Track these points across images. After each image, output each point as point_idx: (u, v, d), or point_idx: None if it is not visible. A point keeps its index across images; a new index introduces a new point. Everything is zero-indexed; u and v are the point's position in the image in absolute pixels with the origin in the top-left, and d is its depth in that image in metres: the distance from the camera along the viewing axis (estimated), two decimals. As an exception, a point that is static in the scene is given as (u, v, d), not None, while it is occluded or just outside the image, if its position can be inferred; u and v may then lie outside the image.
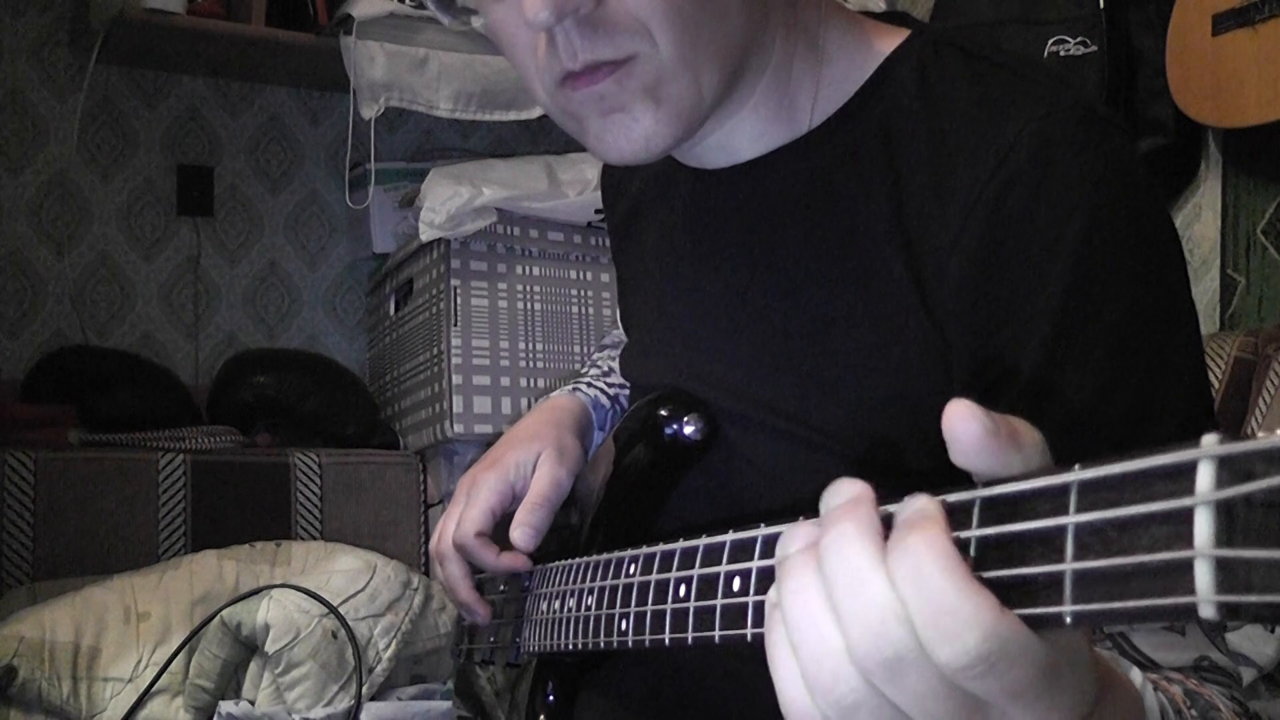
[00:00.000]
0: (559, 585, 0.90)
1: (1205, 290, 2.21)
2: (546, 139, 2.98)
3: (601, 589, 0.79)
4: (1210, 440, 0.35)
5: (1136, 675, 0.56)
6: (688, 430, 0.89)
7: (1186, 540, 0.35)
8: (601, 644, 0.78)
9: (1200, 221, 2.23)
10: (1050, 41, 2.24)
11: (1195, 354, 0.77)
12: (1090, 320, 0.72)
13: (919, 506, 0.44)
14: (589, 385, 1.15)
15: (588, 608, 0.81)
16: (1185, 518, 0.35)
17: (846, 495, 0.46)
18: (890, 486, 0.47)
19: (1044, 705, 0.42)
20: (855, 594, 0.43)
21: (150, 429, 2.31)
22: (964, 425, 0.43)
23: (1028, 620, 0.41)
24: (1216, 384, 1.84)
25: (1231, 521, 0.34)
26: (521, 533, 0.97)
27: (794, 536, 0.48)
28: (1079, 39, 2.21)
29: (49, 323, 2.58)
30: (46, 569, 2.10)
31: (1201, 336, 0.77)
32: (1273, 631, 1.58)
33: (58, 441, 2.24)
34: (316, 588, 1.84)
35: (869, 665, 0.43)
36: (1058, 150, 0.74)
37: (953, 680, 0.42)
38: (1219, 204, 2.19)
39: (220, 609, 1.83)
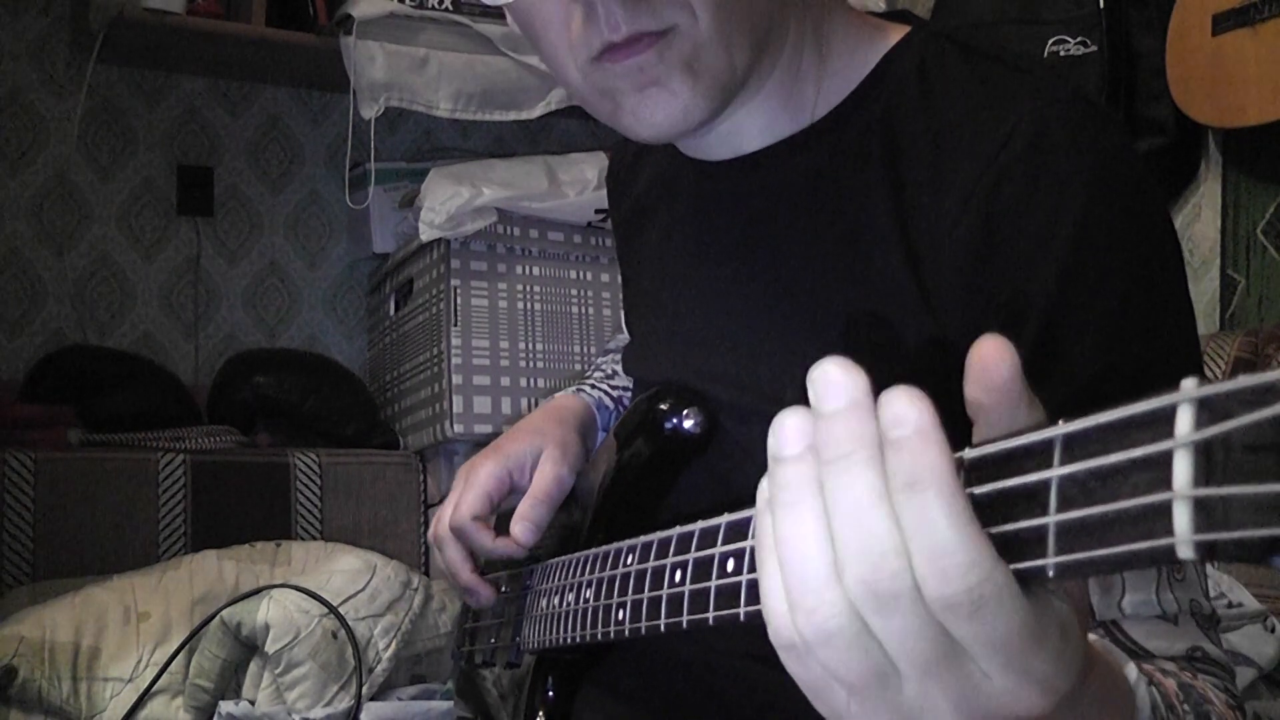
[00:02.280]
0: (558, 581, 0.90)
1: (1205, 290, 2.20)
2: (546, 139, 2.98)
3: (599, 580, 0.79)
4: (1189, 384, 0.35)
5: (1131, 671, 0.56)
6: (687, 424, 0.89)
7: (1166, 483, 0.35)
8: (599, 635, 0.79)
9: (1200, 221, 2.23)
10: (1050, 41, 2.25)
11: (1190, 341, 0.77)
12: (1085, 308, 0.72)
13: (915, 426, 0.42)
14: (593, 387, 1.15)
15: (586, 600, 0.82)
16: (1165, 461, 0.35)
17: (843, 400, 0.44)
18: None
19: (1020, 666, 0.42)
20: (856, 524, 0.43)
21: (150, 429, 2.31)
22: (998, 359, 0.43)
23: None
24: (1217, 384, 1.83)
25: (1210, 462, 0.34)
26: (522, 528, 0.97)
27: (786, 434, 0.46)
28: (1079, 39, 2.21)
29: (49, 323, 2.58)
30: (46, 569, 2.10)
31: (1196, 326, 0.78)
32: (1272, 631, 1.58)
33: (58, 441, 2.24)
34: (316, 588, 1.84)
35: (860, 593, 0.43)
36: (1053, 141, 0.74)
37: (940, 620, 0.42)
38: (1219, 204, 2.19)
39: (220, 609, 1.83)
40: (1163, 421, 0.35)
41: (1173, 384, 0.74)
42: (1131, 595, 0.70)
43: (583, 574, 0.84)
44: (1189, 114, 2.06)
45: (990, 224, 0.74)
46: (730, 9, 0.77)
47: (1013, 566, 0.41)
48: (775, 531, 0.46)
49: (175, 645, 1.83)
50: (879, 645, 0.44)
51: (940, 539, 0.41)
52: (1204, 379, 0.34)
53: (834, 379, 0.44)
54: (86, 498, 2.15)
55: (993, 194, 0.74)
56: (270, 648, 1.77)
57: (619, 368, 1.15)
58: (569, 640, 0.85)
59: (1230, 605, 1.56)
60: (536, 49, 0.84)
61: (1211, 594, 0.75)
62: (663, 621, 0.67)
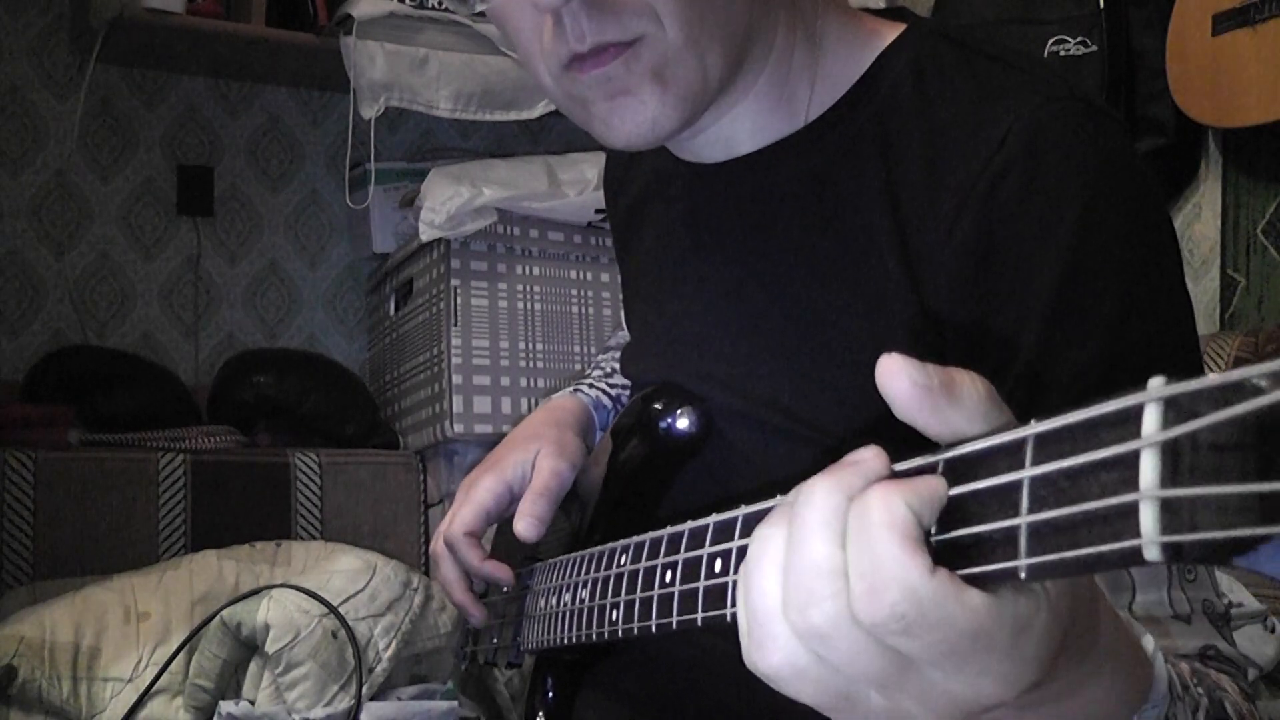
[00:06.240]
0: (555, 581, 0.90)
1: (1205, 290, 2.20)
2: (546, 139, 2.98)
3: (594, 580, 0.79)
4: (1156, 383, 0.34)
5: (1149, 642, 0.55)
6: (680, 425, 0.89)
7: (1133, 484, 0.34)
8: (594, 635, 0.79)
9: (1200, 221, 2.23)
10: (1050, 41, 2.24)
11: (1190, 345, 0.76)
12: (1084, 311, 0.72)
13: (874, 451, 0.45)
14: (591, 386, 1.15)
15: (581, 601, 0.82)
16: (1132, 461, 0.35)
17: (853, 459, 0.46)
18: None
19: (974, 669, 0.42)
20: (800, 549, 0.43)
21: (150, 429, 2.31)
22: (891, 380, 0.43)
23: (984, 577, 0.41)
24: (1216, 383, 1.83)
25: (1176, 462, 0.33)
26: (526, 524, 0.96)
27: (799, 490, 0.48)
28: (1079, 39, 2.21)
29: (49, 323, 2.58)
30: (46, 569, 2.10)
31: (1196, 328, 0.77)
32: (1272, 632, 1.57)
33: (58, 441, 2.24)
34: (316, 588, 1.84)
35: (801, 626, 0.43)
36: (1051, 141, 0.73)
37: (877, 637, 0.42)
38: (1219, 204, 2.19)
39: (220, 609, 1.82)
40: (1130, 421, 0.35)
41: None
42: (1143, 595, 0.69)
43: (579, 574, 0.84)
44: (1189, 114, 2.06)
45: (987, 226, 0.73)
46: (701, 17, 0.76)
47: (985, 569, 0.40)
48: (744, 569, 0.46)
49: (175, 645, 1.83)
50: (833, 669, 0.44)
51: (873, 552, 0.41)
52: (1172, 378, 0.34)
53: (863, 453, 0.45)
54: (86, 498, 2.15)
55: (989, 196, 0.73)
56: (270, 648, 1.77)
57: (618, 365, 1.15)
58: (566, 640, 0.85)
59: (1230, 605, 1.56)
60: (515, 51, 0.84)
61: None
62: (654, 622, 0.67)
